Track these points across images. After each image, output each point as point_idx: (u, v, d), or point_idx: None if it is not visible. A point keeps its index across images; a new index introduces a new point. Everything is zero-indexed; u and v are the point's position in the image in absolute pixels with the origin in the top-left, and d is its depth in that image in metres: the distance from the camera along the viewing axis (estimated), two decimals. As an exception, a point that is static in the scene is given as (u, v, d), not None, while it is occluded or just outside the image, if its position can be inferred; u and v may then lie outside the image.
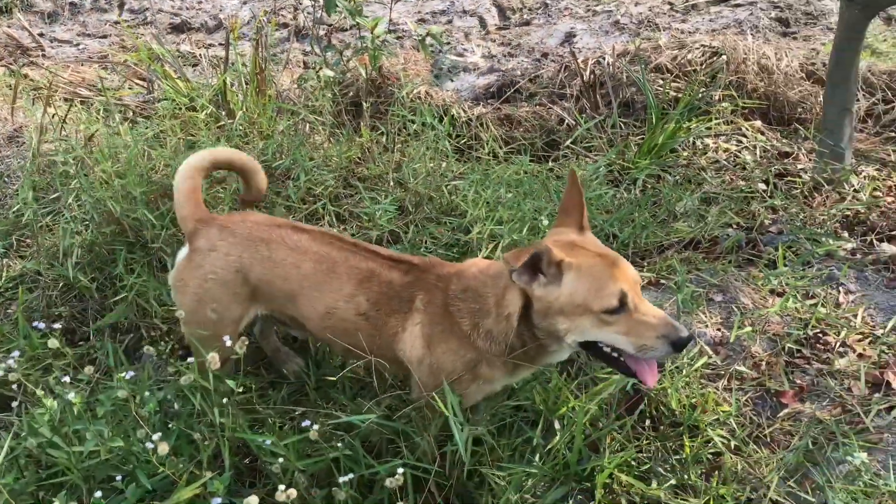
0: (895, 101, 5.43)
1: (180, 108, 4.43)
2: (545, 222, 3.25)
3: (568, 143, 4.74)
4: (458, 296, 2.38)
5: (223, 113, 4.42)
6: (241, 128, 4.25)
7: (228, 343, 2.35)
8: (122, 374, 2.27)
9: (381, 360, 2.47)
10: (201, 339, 2.55)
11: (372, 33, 4.65)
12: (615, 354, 2.21)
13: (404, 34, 7.35)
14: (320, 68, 4.64)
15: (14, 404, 2.51)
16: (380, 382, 2.56)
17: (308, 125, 4.46)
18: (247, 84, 4.68)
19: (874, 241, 3.85)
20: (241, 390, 2.19)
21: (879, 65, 5.75)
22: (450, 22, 7.50)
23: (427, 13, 7.62)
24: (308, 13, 4.80)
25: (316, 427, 2.20)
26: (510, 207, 3.45)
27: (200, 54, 6.68)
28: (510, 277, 2.21)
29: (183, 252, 2.65)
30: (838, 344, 3.03)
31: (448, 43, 7.08)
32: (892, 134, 5.18)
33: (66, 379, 2.35)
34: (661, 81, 5.37)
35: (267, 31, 4.54)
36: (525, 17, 7.54)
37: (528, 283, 2.18)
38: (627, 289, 2.12)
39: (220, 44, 7.32)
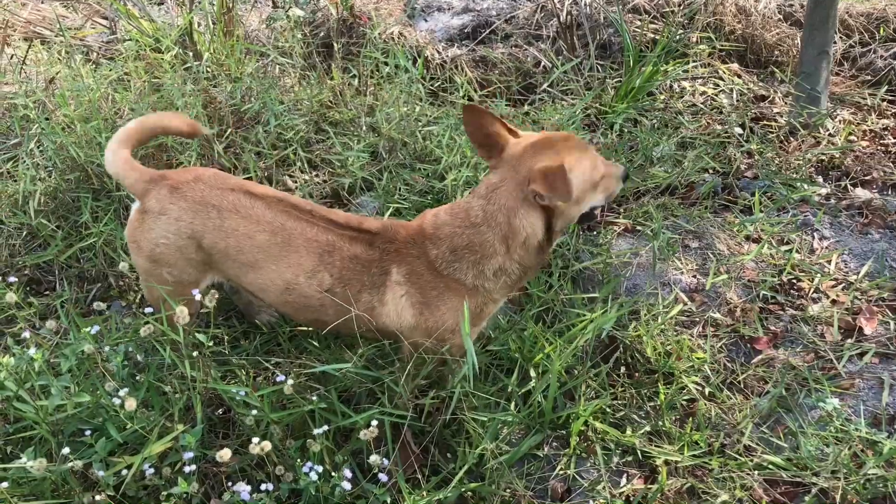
0: (872, 44, 5.39)
1: (145, 50, 4.27)
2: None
3: (545, 86, 4.66)
4: (448, 258, 2.31)
5: (190, 54, 4.27)
6: (208, 70, 4.12)
7: (196, 297, 2.27)
8: (88, 329, 2.21)
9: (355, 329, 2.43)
10: (160, 296, 2.46)
11: (343, -30, 4.49)
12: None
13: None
14: (289, 7, 4.49)
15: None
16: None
17: (278, 67, 4.33)
18: (214, 24, 4.53)
19: (848, 187, 3.85)
20: (211, 343, 2.15)
21: (857, 6, 5.68)
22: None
23: (400, -50, 7.39)
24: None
25: (290, 381, 2.16)
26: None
27: (165, -8, 6.44)
28: (535, 201, 2.23)
29: (135, 207, 2.52)
30: (812, 290, 3.04)
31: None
32: (869, 77, 5.15)
33: (27, 334, 2.29)
34: (638, 23, 5.28)
35: (233, -31, 4.36)
36: (500, -45, 7.34)
37: (561, 198, 2.18)
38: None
39: (186, -19, 7.07)
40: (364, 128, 3.88)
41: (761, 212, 3.48)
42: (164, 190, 2.45)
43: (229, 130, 3.67)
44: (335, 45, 4.64)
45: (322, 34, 5.01)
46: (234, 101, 3.80)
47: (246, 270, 2.43)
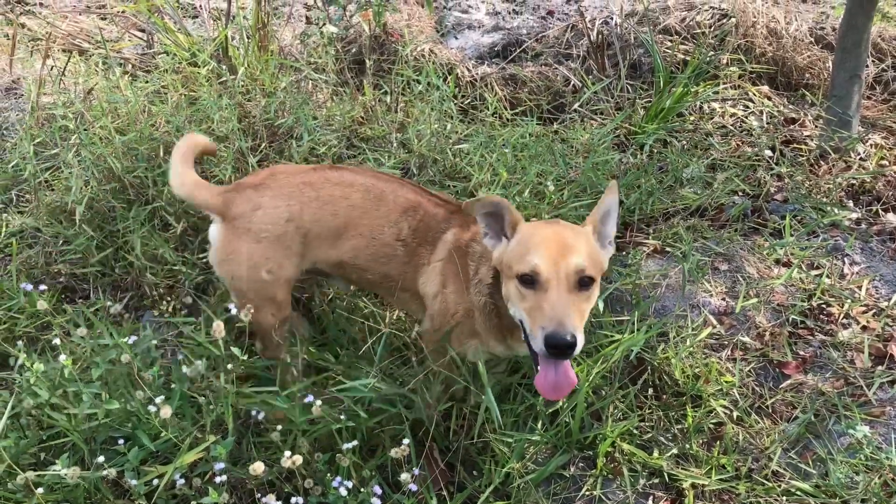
0: (905, 68, 5.36)
1: (181, 63, 4.35)
2: (551, 188, 3.21)
3: (575, 106, 4.68)
4: (477, 238, 2.40)
5: (224, 68, 4.34)
6: (242, 84, 4.18)
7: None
8: (125, 339, 2.25)
9: (403, 295, 2.57)
10: (255, 307, 2.44)
11: (375, -10, 4.54)
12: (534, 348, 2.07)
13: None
14: (323, 24, 4.55)
15: (16, 362, 2.50)
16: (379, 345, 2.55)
17: (311, 83, 4.38)
18: (248, 39, 4.59)
19: (879, 212, 3.83)
20: (245, 357, 2.18)
21: (890, 30, 5.66)
22: (454, -23, 7.35)
23: (431, -33, 7.46)
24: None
25: (319, 402, 2.20)
26: (515, 171, 3.41)
27: (200, 6, 6.55)
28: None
29: (216, 228, 2.59)
30: (842, 316, 3.02)
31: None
32: (901, 101, 5.12)
33: (57, 341, 2.33)
34: (668, 43, 5.29)
35: (269, -14, 4.43)
36: (531, -26, 7.39)
37: (493, 244, 2.23)
38: (548, 268, 2.00)
39: (220, -5, 7.18)
40: (395, 144, 3.92)
41: (791, 235, 3.47)
42: (247, 192, 2.58)
43: (263, 144, 3.72)
44: (367, 61, 4.70)
45: (354, 50, 5.07)
46: (268, 116, 3.85)
47: (339, 234, 2.57)
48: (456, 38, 5.99)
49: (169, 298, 3.06)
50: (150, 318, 3.02)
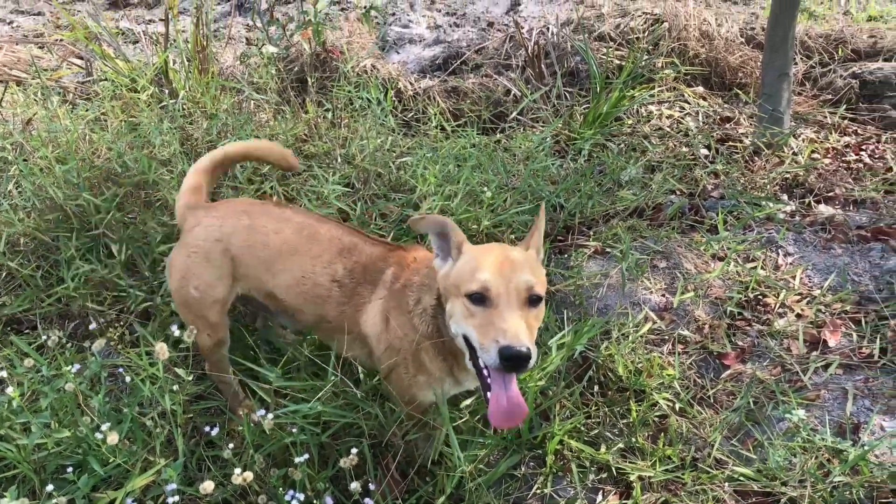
0: (832, 64, 5.56)
1: (121, 89, 4.34)
2: (488, 193, 3.27)
3: (514, 115, 4.77)
4: (417, 271, 2.43)
5: (165, 93, 4.34)
6: (184, 108, 4.19)
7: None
8: (68, 369, 2.25)
9: (346, 337, 2.53)
10: (189, 320, 2.60)
11: (315, 7, 4.59)
12: (484, 371, 2.06)
13: (349, 5, 7.28)
14: (263, 45, 4.58)
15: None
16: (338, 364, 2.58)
17: (253, 103, 4.40)
18: (188, 61, 4.60)
19: (812, 203, 3.97)
20: (190, 378, 2.20)
21: (816, 28, 5.87)
22: (394, -8, 7.43)
23: (371, -17, 7.53)
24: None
25: (270, 416, 2.22)
26: (458, 181, 3.47)
27: (140, 31, 6.53)
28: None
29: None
30: (777, 305, 3.13)
31: (393, 14, 7.02)
32: (830, 96, 5.31)
33: (4, 374, 2.33)
34: (604, 50, 5.41)
35: (206, 10, 4.45)
36: (470, -15, 7.51)
37: (440, 264, 2.24)
38: (498, 285, 2.00)
39: (161, 19, 7.16)
40: (339, 160, 3.96)
41: (727, 230, 3.58)
42: (200, 210, 2.66)
43: (206, 167, 3.73)
44: (309, 79, 4.74)
45: (296, 68, 5.10)
46: (211, 137, 3.86)
47: (269, 266, 2.58)
48: (398, 53, 6.06)
49: (117, 325, 3.05)
50: (99, 346, 3.00)
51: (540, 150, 3.88)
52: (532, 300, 2.03)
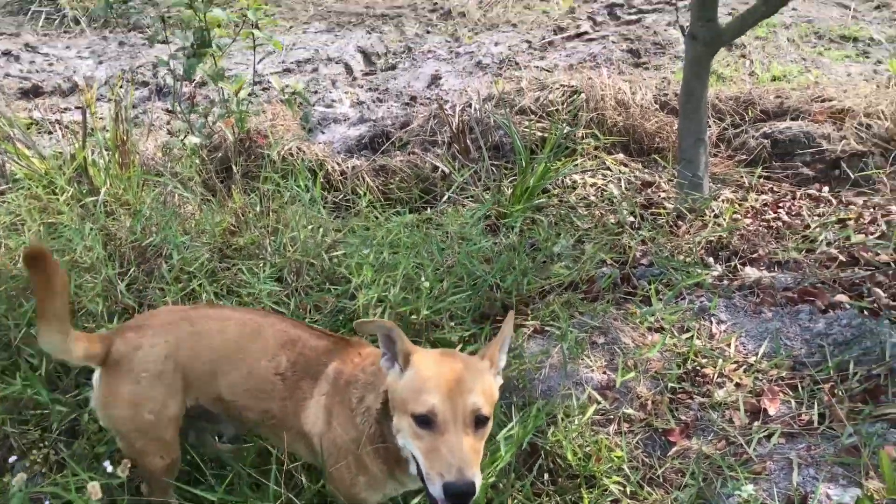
0: (743, 125, 5.79)
1: (37, 189, 4.20)
2: (426, 284, 3.26)
3: (447, 195, 4.80)
4: (362, 368, 2.39)
5: (85, 189, 4.22)
6: (105, 204, 4.08)
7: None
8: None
9: (287, 435, 2.48)
10: (141, 450, 2.47)
11: (237, 96, 4.56)
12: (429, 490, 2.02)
13: (269, 85, 7.28)
14: (185, 136, 4.52)
15: None
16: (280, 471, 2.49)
17: (177, 195, 4.32)
18: (107, 150, 4.50)
19: (738, 266, 4.08)
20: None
21: (725, 91, 6.12)
22: (315, 70, 7.48)
23: (292, 62, 7.58)
24: (168, 71, 4.67)
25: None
26: (393, 268, 3.44)
27: (55, 120, 6.38)
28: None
29: (97, 375, 2.53)
30: (716, 375, 3.18)
31: (315, 92, 7.05)
32: (744, 156, 5.52)
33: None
34: (526, 123, 5.53)
35: (126, 103, 4.37)
36: (390, 61, 7.62)
37: (387, 367, 2.19)
38: (444, 410, 1.96)
39: (77, 107, 7.02)
40: (269, 250, 3.90)
41: (659, 299, 3.64)
42: (128, 334, 2.53)
43: (132, 269, 3.62)
44: (234, 167, 4.68)
45: (220, 155, 5.04)
46: (136, 237, 3.76)
47: (216, 367, 2.51)
48: (323, 133, 6.06)
49: (41, 445, 2.89)
50: (20, 481, 2.83)
51: (473, 229, 3.90)
52: (479, 421, 2.01)
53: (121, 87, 7.17)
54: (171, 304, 3.37)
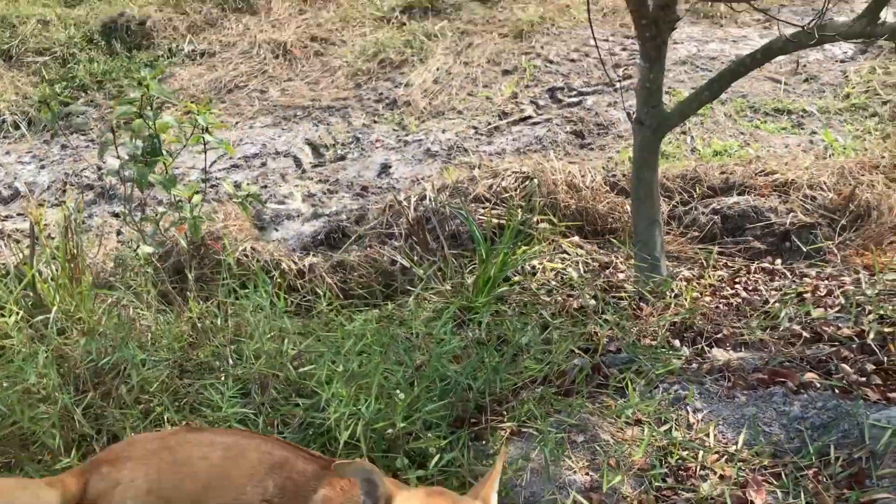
0: (692, 202, 5.91)
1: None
2: (401, 396, 3.18)
3: (409, 290, 4.75)
4: (350, 496, 2.31)
5: (31, 303, 4.06)
6: (57, 323, 3.92)
7: None
8: None
9: None
10: None
11: (189, 202, 4.49)
12: None
13: (218, 181, 7.21)
14: (137, 246, 4.41)
15: None
16: None
17: (132, 308, 4.18)
18: (53, 259, 4.35)
19: (704, 348, 4.09)
20: None
21: (672, 170, 6.26)
22: (264, 164, 7.45)
23: (239, 158, 7.54)
24: (119, 180, 4.59)
25: None
26: (364, 376, 3.35)
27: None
28: None
29: None
30: (699, 468, 3.14)
31: (265, 187, 7.01)
32: (696, 233, 5.62)
33: None
34: (481, 211, 5.56)
35: (75, 216, 4.26)
36: (339, 152, 7.64)
37: None
38: None
39: (20, 214, 6.85)
40: (230, 362, 3.78)
41: (634, 389, 3.61)
42: (103, 469, 2.39)
43: (89, 393, 3.46)
44: (189, 274, 4.57)
45: (174, 262, 4.93)
46: (91, 357, 3.60)
47: (200, 497, 2.38)
48: (276, 230, 6.00)
49: None
50: None
51: (441, 330, 3.84)
52: None
53: (64, 192, 7.03)
54: (130, 429, 3.23)
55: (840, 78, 7.71)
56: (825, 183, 5.55)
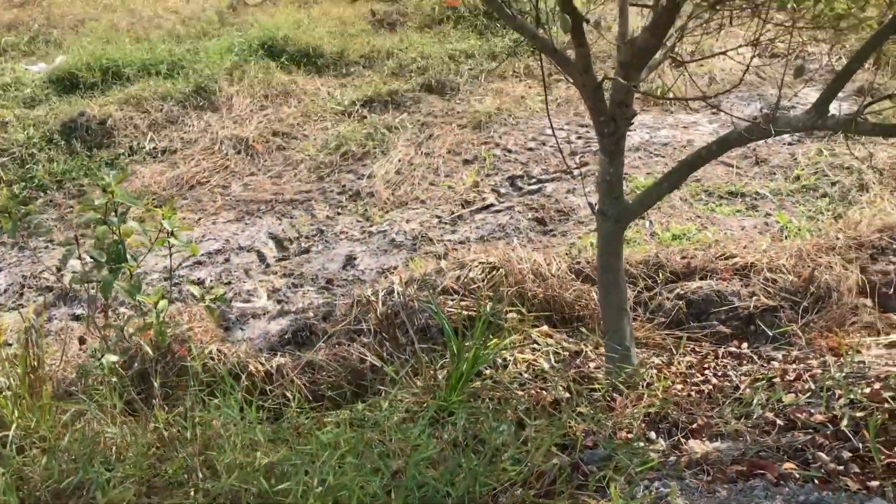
0: (656, 287, 5.99)
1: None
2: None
3: (380, 390, 4.70)
4: None
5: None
6: (16, 441, 3.77)
7: None
8: None
9: None
10: None
11: (155, 308, 4.42)
12: None
13: (181, 279, 7.13)
14: (102, 355, 4.30)
15: None
16: None
17: (96, 421, 4.05)
18: (11, 366, 4.22)
19: (681, 440, 4.08)
20: None
21: (634, 256, 6.36)
22: (227, 260, 7.40)
23: (203, 255, 7.48)
24: (83, 288, 4.51)
25: None
26: (340, 488, 3.27)
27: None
28: None
29: None
30: (686, 571, 3.09)
31: (229, 283, 6.94)
32: (662, 319, 5.67)
33: None
34: (450, 303, 5.56)
35: (37, 326, 4.16)
36: (303, 245, 7.63)
37: None
38: None
39: (-29, 320, 6.65)
40: (200, 475, 3.66)
41: (614, 488, 3.56)
42: None
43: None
44: (154, 382, 4.47)
45: (138, 369, 4.81)
46: (54, 478, 3.47)
47: None
48: (242, 330, 5.92)
49: None
50: None
51: (417, 437, 3.78)
52: None
53: (22, 295, 6.88)
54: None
55: (790, 160, 7.99)
56: (784, 266, 5.67)
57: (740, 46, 5.41)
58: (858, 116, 3.81)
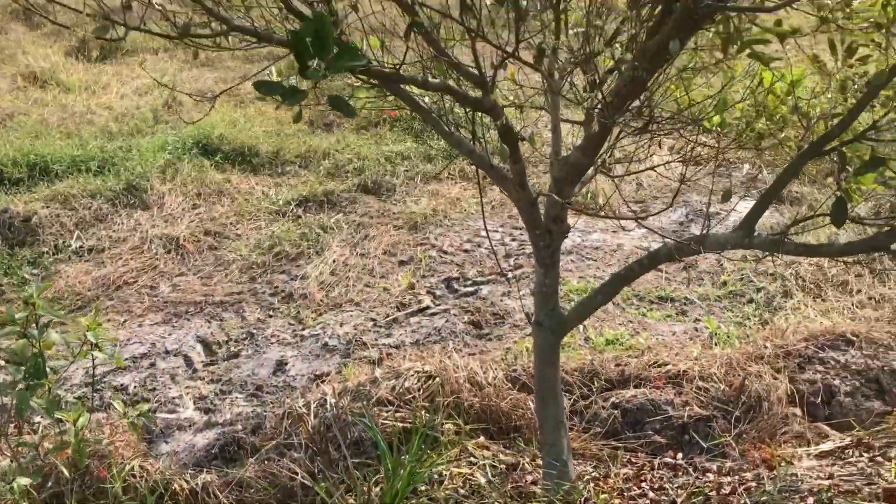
0: (591, 395, 6.00)
1: None
2: None
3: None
4: None
5: None
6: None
7: None
8: None
9: None
10: None
11: (75, 425, 4.19)
12: None
13: (104, 384, 6.83)
14: (13, 478, 4.04)
15: None
16: None
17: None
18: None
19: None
20: None
21: (569, 363, 6.38)
22: (153, 365, 7.13)
23: (127, 358, 7.20)
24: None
25: None
26: None
27: None
28: None
29: None
30: None
31: (153, 390, 6.68)
32: (598, 428, 5.65)
33: None
34: (385, 414, 5.44)
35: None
36: (232, 349, 7.42)
37: None
38: None
39: None
40: None
41: None
42: None
43: None
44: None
45: (52, 490, 4.53)
46: None
47: None
48: (166, 443, 5.66)
49: None
50: None
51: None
52: None
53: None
54: None
55: (716, 266, 8.23)
56: (716, 374, 5.76)
57: (668, 162, 5.63)
58: (784, 237, 3.96)
